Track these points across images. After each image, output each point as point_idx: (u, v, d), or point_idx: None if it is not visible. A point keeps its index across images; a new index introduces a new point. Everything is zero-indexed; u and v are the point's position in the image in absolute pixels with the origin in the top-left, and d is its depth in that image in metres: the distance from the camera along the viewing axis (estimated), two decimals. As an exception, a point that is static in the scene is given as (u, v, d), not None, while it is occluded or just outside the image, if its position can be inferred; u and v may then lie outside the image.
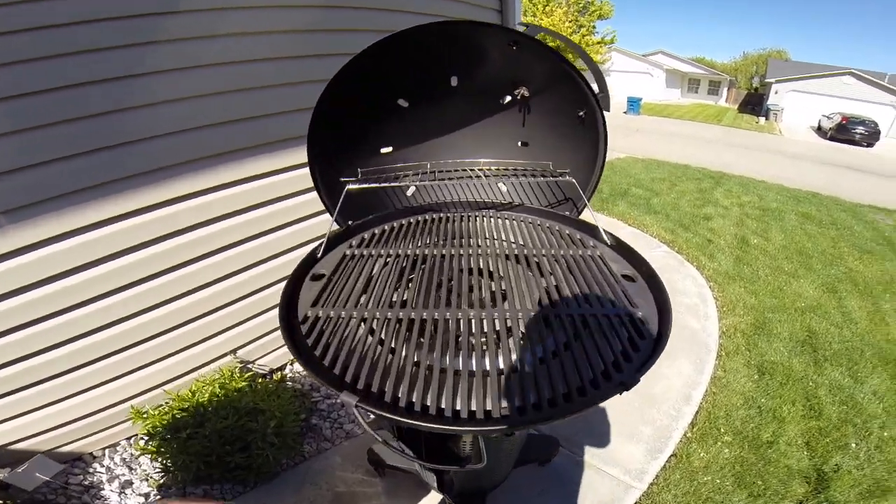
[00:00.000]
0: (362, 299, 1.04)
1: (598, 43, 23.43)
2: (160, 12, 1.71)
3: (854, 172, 12.38)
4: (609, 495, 2.21)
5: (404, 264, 1.17)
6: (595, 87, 1.22)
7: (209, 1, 1.81)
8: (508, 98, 1.42)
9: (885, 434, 2.73)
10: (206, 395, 2.12)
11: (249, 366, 2.65)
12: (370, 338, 0.91)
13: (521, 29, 1.16)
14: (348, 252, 1.24)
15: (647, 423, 2.62)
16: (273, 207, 2.38)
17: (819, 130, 22.68)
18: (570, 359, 0.84)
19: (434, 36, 1.17)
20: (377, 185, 1.34)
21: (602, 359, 0.84)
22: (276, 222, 2.42)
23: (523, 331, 0.92)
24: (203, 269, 2.22)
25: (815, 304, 4.20)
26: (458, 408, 0.74)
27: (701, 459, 2.42)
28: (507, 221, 1.41)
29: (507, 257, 1.18)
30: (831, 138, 19.96)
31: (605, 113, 1.21)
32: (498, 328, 0.93)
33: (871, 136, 19.37)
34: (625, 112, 21.26)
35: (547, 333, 0.91)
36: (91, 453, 2.18)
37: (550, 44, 1.18)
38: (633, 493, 2.23)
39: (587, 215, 1.38)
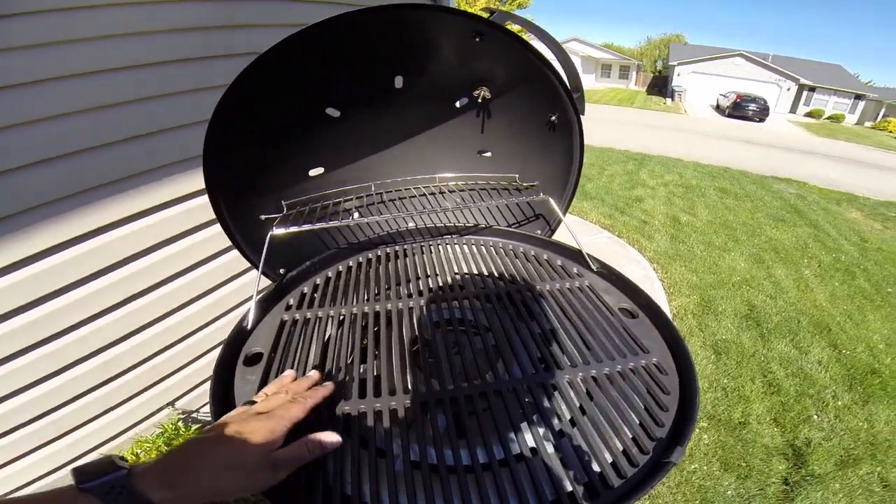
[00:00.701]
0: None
1: (519, 32, 24.03)
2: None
3: (753, 146, 13.57)
4: None
5: (363, 323, 0.92)
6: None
7: None
8: (465, 100, 1.20)
9: (839, 403, 2.88)
10: (153, 456, 1.91)
11: (194, 415, 2.32)
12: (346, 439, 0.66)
13: (485, 15, 0.94)
14: (286, 317, 0.96)
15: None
16: (197, 236, 2.02)
17: (718, 108, 24.77)
18: (594, 431, 0.66)
19: (372, 26, 0.91)
20: (310, 226, 1.06)
21: (630, 427, 0.66)
22: (202, 254, 2.07)
23: (531, 401, 0.72)
24: (125, 317, 1.88)
25: (749, 276, 4.43)
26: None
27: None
28: (474, 248, 1.20)
29: (486, 298, 0.97)
30: (729, 115, 21.87)
31: (580, 116, 1.03)
32: (504, 402, 0.72)
33: (762, 111, 21.48)
34: (547, 101, 21.88)
35: (559, 401, 0.72)
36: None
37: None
38: None
39: (563, 234, 1.20)
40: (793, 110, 29.21)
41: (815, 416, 2.75)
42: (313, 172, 1.21)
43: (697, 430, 2.54)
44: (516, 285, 1.01)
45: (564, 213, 1.18)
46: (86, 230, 1.66)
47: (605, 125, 14.75)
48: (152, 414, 2.15)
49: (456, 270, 1.11)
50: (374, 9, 0.83)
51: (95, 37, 1.51)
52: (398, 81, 1.11)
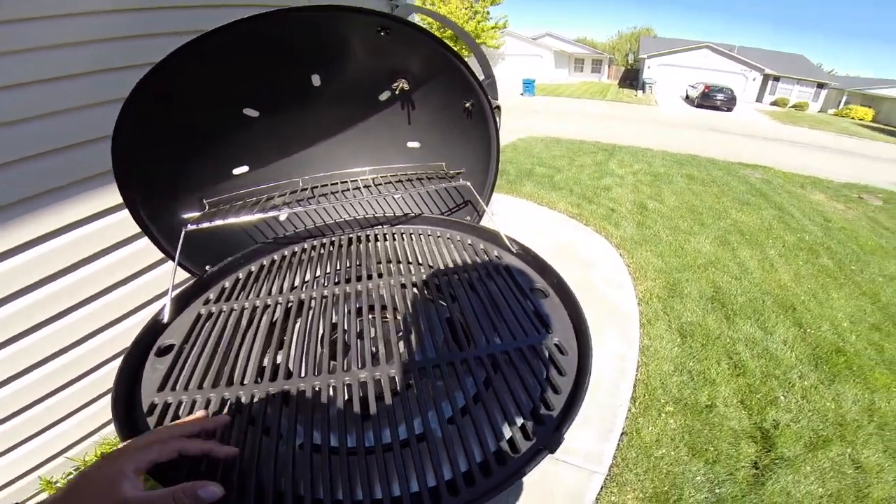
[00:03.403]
0: (226, 372, 0.78)
1: (493, 28, 24.34)
2: None
3: (721, 134, 13.84)
4: (576, 484, 2.15)
5: (278, 315, 0.91)
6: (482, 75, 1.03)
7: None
8: (387, 94, 1.20)
9: (806, 383, 2.90)
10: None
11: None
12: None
13: (391, 10, 0.94)
14: (204, 310, 0.95)
15: (591, 405, 2.57)
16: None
17: (687, 99, 25.22)
18: (483, 415, 0.66)
19: (274, 27, 0.90)
20: (221, 221, 1.04)
21: (521, 410, 0.66)
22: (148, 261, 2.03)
23: (426, 386, 0.72)
24: (78, 322, 1.85)
25: (714, 258, 4.50)
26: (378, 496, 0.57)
27: (651, 434, 2.41)
28: (403, 237, 1.19)
29: (402, 285, 0.97)
30: (698, 105, 22.28)
31: (493, 101, 1.04)
32: (398, 387, 0.72)
33: (730, 101, 21.95)
34: (521, 94, 22.12)
35: (454, 386, 0.72)
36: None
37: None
38: (596, 479, 2.19)
39: (489, 219, 1.20)
40: (759, 99, 29.88)
41: (782, 398, 2.76)
42: (237, 171, 1.19)
43: (664, 414, 2.54)
44: (434, 270, 1.01)
45: (489, 197, 1.18)
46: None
47: (578, 118, 14.91)
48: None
49: (380, 259, 1.10)
50: (262, 15, 0.83)
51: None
52: (315, 80, 1.12)
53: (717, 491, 2.16)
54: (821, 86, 29.28)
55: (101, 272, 1.87)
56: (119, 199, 1.79)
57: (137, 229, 1.84)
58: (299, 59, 1.05)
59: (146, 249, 1.99)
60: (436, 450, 0.61)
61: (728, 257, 4.56)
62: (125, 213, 1.81)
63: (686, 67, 29.42)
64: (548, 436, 0.61)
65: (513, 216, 5.26)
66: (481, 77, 1.08)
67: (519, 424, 0.64)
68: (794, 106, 28.46)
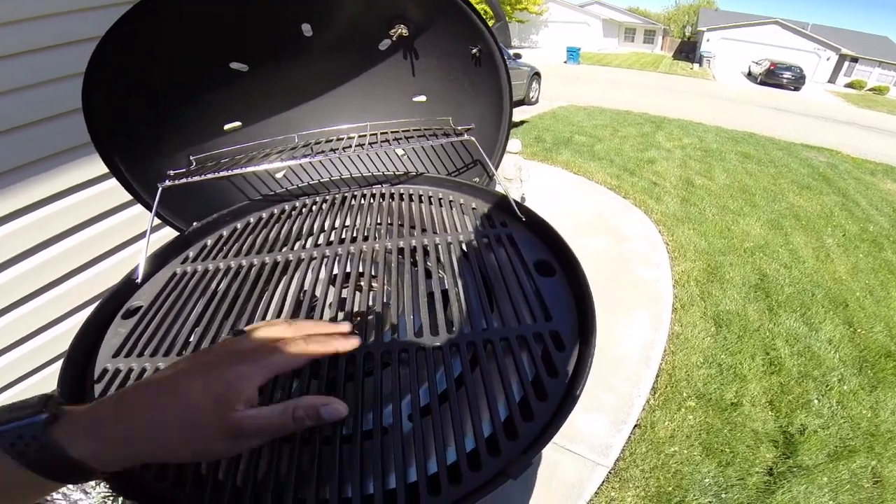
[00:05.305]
0: (190, 337, 0.72)
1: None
2: None
3: (785, 114, 12.77)
4: (575, 476, 2.04)
5: (257, 277, 0.84)
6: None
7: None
8: (387, 42, 1.08)
9: (845, 388, 2.65)
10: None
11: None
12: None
13: None
14: (179, 270, 0.90)
15: (608, 391, 2.45)
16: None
17: (749, 76, 23.50)
18: (449, 419, 0.56)
19: None
20: (201, 177, 0.97)
21: (493, 419, 0.55)
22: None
23: (394, 371, 0.62)
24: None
25: (763, 242, 4.15)
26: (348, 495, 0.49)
27: (666, 428, 2.26)
28: (403, 198, 1.09)
29: (388, 251, 0.87)
30: (761, 83, 20.74)
31: (503, 48, 0.91)
32: (367, 366, 0.63)
33: (798, 80, 20.31)
34: (565, 62, 21.23)
35: (422, 376, 0.61)
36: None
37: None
38: (599, 472, 2.07)
39: (499, 182, 1.08)
40: (832, 80, 27.53)
41: (816, 401, 2.53)
42: (229, 126, 1.13)
43: (684, 409, 2.38)
44: (428, 235, 0.90)
45: (500, 156, 1.06)
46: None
47: (624, 88, 14.12)
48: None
49: (371, 221, 1.01)
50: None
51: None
52: (306, 29, 1.02)
53: (724, 496, 2.01)
54: (906, 70, 26.55)
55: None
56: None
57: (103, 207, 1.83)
58: (285, 7, 0.96)
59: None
60: (380, 451, 0.52)
61: (779, 243, 4.21)
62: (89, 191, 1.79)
63: (750, 43, 27.36)
64: (513, 457, 0.50)
65: (545, 184, 5.03)
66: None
67: (488, 435, 0.53)
68: (871, 89, 25.98)
